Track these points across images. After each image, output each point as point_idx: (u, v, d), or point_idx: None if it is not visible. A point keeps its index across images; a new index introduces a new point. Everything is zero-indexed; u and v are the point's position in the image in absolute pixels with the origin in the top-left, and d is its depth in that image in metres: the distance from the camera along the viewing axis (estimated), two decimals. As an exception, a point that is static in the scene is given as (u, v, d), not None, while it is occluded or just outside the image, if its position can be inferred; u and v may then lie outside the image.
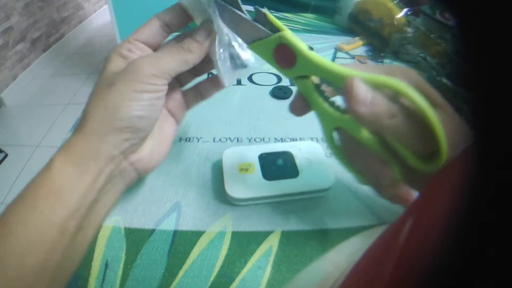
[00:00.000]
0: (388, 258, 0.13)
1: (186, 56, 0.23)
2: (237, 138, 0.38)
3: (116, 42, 1.39)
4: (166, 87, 0.23)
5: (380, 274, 0.12)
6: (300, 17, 0.74)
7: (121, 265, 0.26)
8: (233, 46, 0.25)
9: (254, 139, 0.38)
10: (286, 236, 0.28)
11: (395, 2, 0.55)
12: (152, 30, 0.24)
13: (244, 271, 0.26)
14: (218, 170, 0.33)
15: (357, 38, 0.61)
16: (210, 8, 0.23)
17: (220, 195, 0.31)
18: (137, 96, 0.21)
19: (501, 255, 0.07)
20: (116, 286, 0.25)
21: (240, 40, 0.25)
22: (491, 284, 0.07)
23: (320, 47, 0.59)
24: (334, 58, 0.56)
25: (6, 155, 1.40)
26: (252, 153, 0.33)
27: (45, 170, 0.20)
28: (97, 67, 2.03)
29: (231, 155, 0.32)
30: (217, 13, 0.23)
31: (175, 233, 0.28)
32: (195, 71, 0.28)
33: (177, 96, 0.27)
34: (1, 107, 1.72)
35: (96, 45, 2.31)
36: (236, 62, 0.26)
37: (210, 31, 0.24)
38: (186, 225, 0.29)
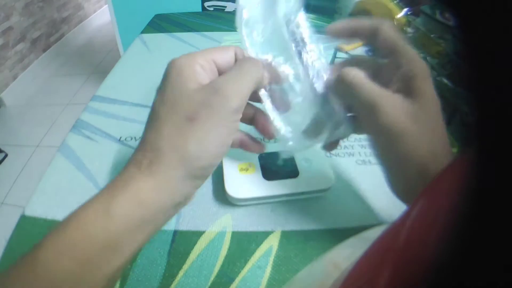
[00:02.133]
0: (388, 258, 0.13)
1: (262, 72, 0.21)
2: (237, 138, 0.38)
3: (116, 42, 1.39)
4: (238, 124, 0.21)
5: (380, 274, 0.12)
6: (300, 17, 0.74)
7: (121, 265, 0.26)
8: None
9: (254, 139, 0.38)
10: (286, 236, 0.28)
11: (395, 2, 0.55)
12: (228, 56, 0.21)
13: (244, 271, 0.26)
14: (218, 170, 0.33)
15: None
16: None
17: (220, 195, 0.31)
18: (223, 140, 0.19)
19: (501, 255, 0.07)
20: (116, 286, 0.25)
21: None
22: (492, 284, 0.07)
23: (320, 47, 0.59)
24: (334, 58, 0.56)
25: (6, 155, 1.40)
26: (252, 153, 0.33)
27: (103, 215, 0.17)
28: (97, 67, 2.03)
29: (231, 155, 0.32)
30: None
31: (175, 233, 0.28)
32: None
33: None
34: (1, 107, 1.72)
35: (96, 45, 2.31)
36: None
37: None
38: (186, 225, 0.29)
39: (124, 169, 0.18)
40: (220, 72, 0.21)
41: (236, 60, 0.21)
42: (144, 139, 0.19)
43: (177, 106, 0.18)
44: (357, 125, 0.23)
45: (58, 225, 0.17)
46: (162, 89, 0.19)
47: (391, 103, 0.20)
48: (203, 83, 0.19)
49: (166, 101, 0.19)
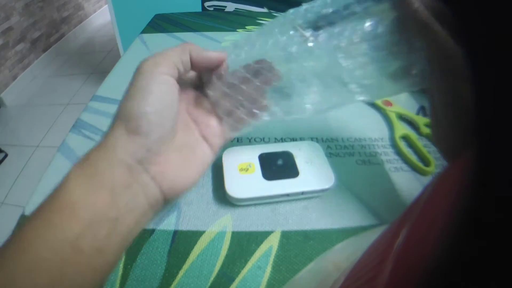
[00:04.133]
0: (388, 258, 0.13)
1: (186, 45, 0.23)
2: (237, 138, 0.38)
3: (116, 42, 1.39)
4: (171, 79, 0.22)
5: (380, 274, 0.12)
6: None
7: (121, 265, 0.26)
8: None
9: (254, 139, 0.38)
10: (286, 236, 0.28)
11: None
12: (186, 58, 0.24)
13: (244, 271, 0.26)
14: (218, 170, 0.33)
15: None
16: None
17: (220, 195, 0.31)
18: (143, 91, 0.21)
19: (500, 256, 0.07)
20: (116, 286, 0.25)
21: None
22: (491, 285, 0.07)
23: (320, 47, 0.59)
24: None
25: (6, 155, 1.40)
26: (252, 153, 0.33)
27: (62, 182, 0.19)
28: (97, 67, 2.03)
29: (231, 155, 0.32)
30: None
31: (175, 233, 0.28)
32: None
33: (212, 123, 0.26)
34: (1, 107, 1.72)
35: (96, 45, 2.31)
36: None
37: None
38: (186, 225, 0.29)
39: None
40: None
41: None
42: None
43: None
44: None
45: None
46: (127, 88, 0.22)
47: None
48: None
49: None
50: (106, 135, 0.20)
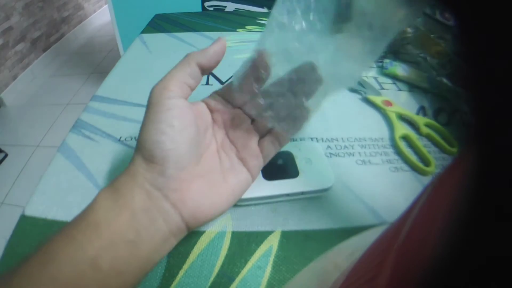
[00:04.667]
0: (388, 258, 0.13)
1: (189, 56, 0.23)
2: (237, 138, 0.38)
3: (116, 42, 1.39)
4: (180, 101, 0.22)
5: (380, 274, 0.12)
6: (300, 17, 0.74)
7: (121, 265, 0.26)
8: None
9: (254, 139, 0.38)
10: (286, 236, 0.28)
11: (395, 2, 0.55)
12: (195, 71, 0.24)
13: (244, 271, 0.26)
14: (218, 170, 0.33)
15: (357, 38, 0.61)
16: None
17: (220, 195, 0.31)
18: (153, 120, 0.21)
19: (500, 256, 0.07)
20: (116, 286, 0.25)
21: None
22: (491, 285, 0.07)
23: (320, 47, 0.59)
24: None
25: (6, 155, 1.40)
26: (252, 153, 0.33)
27: (90, 204, 0.20)
28: (97, 67, 2.03)
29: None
30: None
31: (175, 233, 0.28)
32: None
33: (251, 144, 0.25)
34: (1, 107, 1.72)
35: (96, 45, 2.31)
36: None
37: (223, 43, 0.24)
38: (186, 225, 0.29)
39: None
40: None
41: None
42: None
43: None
44: None
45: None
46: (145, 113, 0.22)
47: None
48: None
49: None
50: (130, 163, 0.22)
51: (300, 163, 0.32)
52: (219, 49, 0.24)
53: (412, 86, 0.49)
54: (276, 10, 0.21)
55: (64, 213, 0.29)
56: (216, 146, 0.25)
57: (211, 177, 0.23)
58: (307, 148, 0.33)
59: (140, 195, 0.20)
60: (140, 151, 0.21)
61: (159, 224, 0.20)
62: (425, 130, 0.39)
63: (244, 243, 0.27)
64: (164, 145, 0.20)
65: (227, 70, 0.48)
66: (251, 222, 0.29)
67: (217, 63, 0.24)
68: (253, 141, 0.25)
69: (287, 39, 0.22)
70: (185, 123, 0.21)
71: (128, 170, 0.21)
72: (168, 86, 0.21)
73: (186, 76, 0.22)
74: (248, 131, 0.25)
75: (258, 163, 0.25)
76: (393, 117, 0.41)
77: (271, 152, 0.26)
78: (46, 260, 0.18)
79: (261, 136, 0.26)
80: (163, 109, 0.21)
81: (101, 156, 0.35)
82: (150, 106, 0.21)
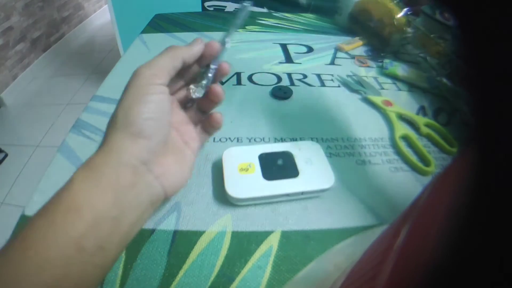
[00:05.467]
0: (388, 258, 0.13)
1: (177, 51, 0.25)
2: (237, 138, 0.38)
3: (116, 42, 1.39)
4: (166, 89, 0.24)
5: (380, 274, 0.12)
6: (300, 17, 0.74)
7: (121, 265, 0.26)
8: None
9: (254, 139, 0.38)
10: (286, 236, 0.28)
11: (395, 2, 0.55)
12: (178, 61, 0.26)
13: (244, 271, 0.26)
14: (218, 170, 0.33)
15: (357, 38, 0.61)
16: None
17: (220, 195, 0.31)
18: (143, 100, 0.22)
19: (501, 255, 0.07)
20: (116, 286, 0.25)
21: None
22: (491, 284, 0.07)
23: (320, 47, 0.59)
24: (334, 58, 0.56)
25: (6, 155, 1.40)
26: (252, 153, 0.33)
27: (66, 185, 0.20)
28: (97, 67, 2.03)
29: (231, 155, 0.32)
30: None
31: (175, 233, 0.28)
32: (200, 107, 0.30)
33: (190, 129, 0.29)
34: (1, 107, 1.72)
35: (96, 45, 2.31)
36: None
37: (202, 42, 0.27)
38: (186, 225, 0.29)
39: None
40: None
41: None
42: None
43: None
44: None
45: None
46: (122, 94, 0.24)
47: None
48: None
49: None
50: (105, 140, 0.22)
51: (300, 163, 0.32)
52: (200, 50, 0.27)
53: (412, 86, 0.49)
54: None
55: (64, 213, 0.29)
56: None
57: (176, 153, 0.26)
58: (307, 148, 0.33)
59: (125, 171, 0.21)
60: (124, 128, 0.22)
61: (143, 197, 0.22)
62: (425, 130, 0.39)
63: (244, 243, 0.27)
64: (153, 123, 0.22)
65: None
66: (251, 222, 0.29)
67: (194, 62, 0.27)
68: (191, 127, 0.29)
69: None
70: (169, 107, 0.24)
71: (106, 148, 0.21)
72: (158, 74, 0.24)
73: (172, 69, 0.25)
74: (185, 121, 0.29)
75: (197, 145, 0.29)
76: (393, 117, 0.41)
77: (208, 134, 0.30)
78: (26, 246, 0.17)
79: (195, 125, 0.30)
80: (153, 92, 0.23)
81: (101, 156, 0.35)
82: (137, 86, 0.23)
